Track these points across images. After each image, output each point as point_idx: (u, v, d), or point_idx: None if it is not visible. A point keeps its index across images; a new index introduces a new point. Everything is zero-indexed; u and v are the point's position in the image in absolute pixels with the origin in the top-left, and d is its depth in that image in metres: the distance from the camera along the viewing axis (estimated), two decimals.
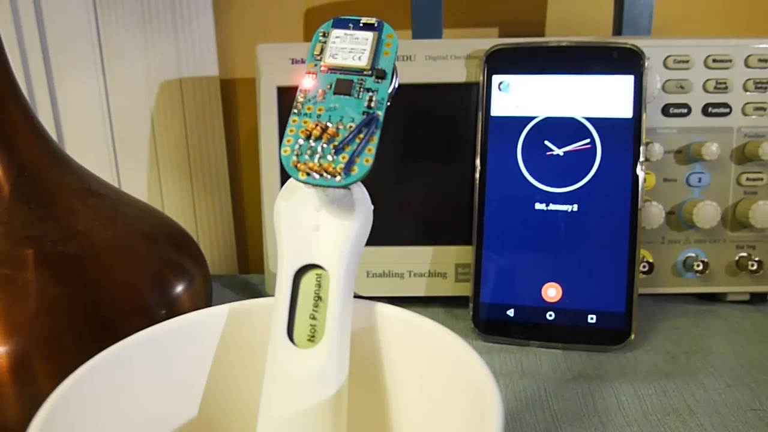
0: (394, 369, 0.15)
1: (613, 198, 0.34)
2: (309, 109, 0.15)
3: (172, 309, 0.30)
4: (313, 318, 0.15)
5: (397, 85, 0.15)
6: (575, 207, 0.34)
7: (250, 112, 0.53)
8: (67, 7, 0.49)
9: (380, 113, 0.14)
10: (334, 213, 0.15)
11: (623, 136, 0.34)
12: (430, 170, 0.38)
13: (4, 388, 0.25)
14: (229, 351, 0.16)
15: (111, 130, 0.51)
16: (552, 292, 0.34)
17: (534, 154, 0.34)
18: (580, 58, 0.34)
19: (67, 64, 0.50)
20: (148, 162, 0.52)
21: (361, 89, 0.15)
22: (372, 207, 0.15)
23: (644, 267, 0.37)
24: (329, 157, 0.14)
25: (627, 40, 0.35)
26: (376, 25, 0.15)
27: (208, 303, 0.34)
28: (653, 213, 0.36)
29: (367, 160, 0.14)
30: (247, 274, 0.50)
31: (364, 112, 0.14)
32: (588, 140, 0.34)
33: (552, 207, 0.34)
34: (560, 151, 0.34)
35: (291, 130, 0.15)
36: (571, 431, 0.26)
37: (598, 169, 0.34)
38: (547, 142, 0.34)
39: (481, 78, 0.35)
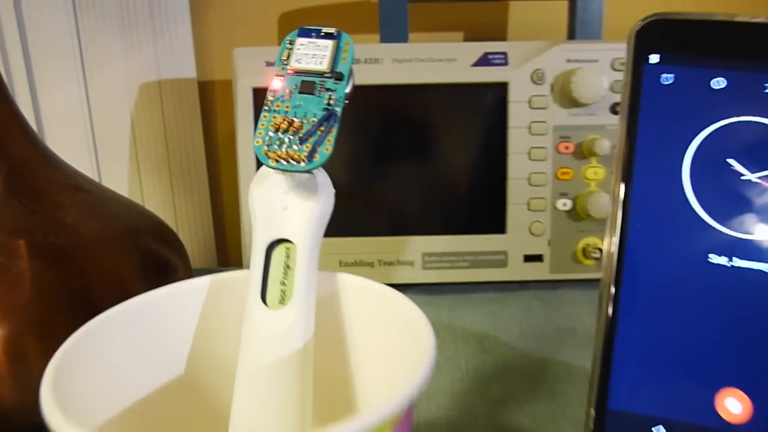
0: (353, 324, 0.18)
1: None
2: (278, 106, 0.17)
3: None
4: (283, 284, 0.17)
5: (353, 86, 0.18)
6: None
7: (228, 112, 0.56)
8: (48, 14, 0.50)
9: (338, 110, 0.17)
10: (300, 195, 0.17)
11: None
12: (395, 165, 0.40)
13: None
14: (211, 315, 0.18)
15: (92, 132, 0.53)
16: (734, 404, 0.21)
17: (710, 178, 0.22)
18: None
19: (48, 69, 0.51)
20: (128, 162, 0.54)
21: (322, 89, 0.17)
22: (333, 190, 0.18)
23: (597, 253, 0.40)
24: (295, 147, 0.16)
25: (580, 44, 0.38)
26: (335, 34, 0.18)
27: None
28: (602, 203, 0.39)
29: (326, 149, 0.16)
30: (226, 267, 0.52)
31: (324, 109, 0.17)
32: None
33: (738, 263, 0.21)
34: (755, 177, 0.22)
35: (262, 124, 0.17)
36: None
37: None
38: (732, 162, 0.22)
39: (628, 64, 0.23)
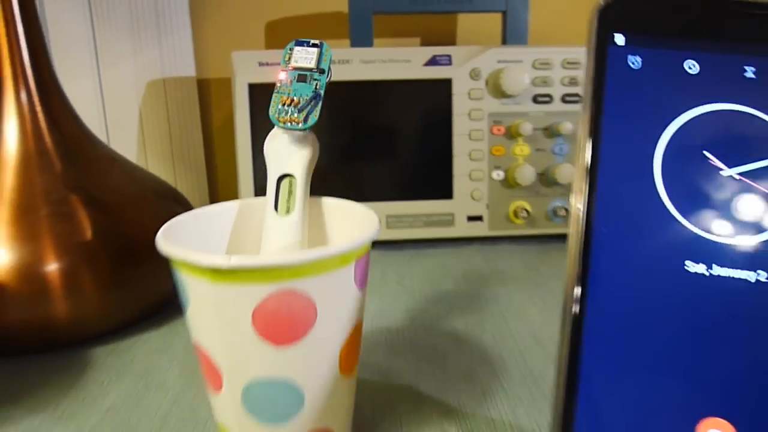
0: (330, 223, 0.28)
1: None
2: (284, 90, 0.27)
3: None
4: (288, 201, 0.27)
5: (331, 77, 0.28)
6: (764, 275, 0.18)
7: (222, 105, 0.65)
8: (68, 19, 0.59)
9: (322, 92, 0.27)
10: (298, 146, 0.27)
11: None
12: (364, 146, 0.50)
13: (57, 292, 0.35)
14: (240, 223, 0.28)
15: (105, 122, 0.62)
16: None
17: (685, 174, 0.19)
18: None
19: (67, 67, 0.60)
20: (136, 149, 0.63)
21: (311, 79, 0.27)
22: (318, 144, 0.28)
23: (524, 214, 0.51)
24: (295, 114, 0.26)
25: (509, 48, 0.48)
26: (319, 44, 0.28)
27: None
28: (527, 174, 0.49)
29: (315, 115, 0.26)
30: None
31: (313, 91, 0.27)
32: None
33: (719, 271, 0.19)
34: (734, 172, 0.19)
35: (274, 101, 0.27)
36: None
37: None
38: (708, 155, 0.20)
39: (590, 45, 0.20)
